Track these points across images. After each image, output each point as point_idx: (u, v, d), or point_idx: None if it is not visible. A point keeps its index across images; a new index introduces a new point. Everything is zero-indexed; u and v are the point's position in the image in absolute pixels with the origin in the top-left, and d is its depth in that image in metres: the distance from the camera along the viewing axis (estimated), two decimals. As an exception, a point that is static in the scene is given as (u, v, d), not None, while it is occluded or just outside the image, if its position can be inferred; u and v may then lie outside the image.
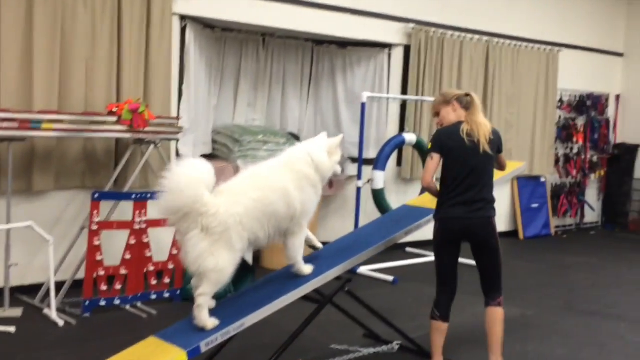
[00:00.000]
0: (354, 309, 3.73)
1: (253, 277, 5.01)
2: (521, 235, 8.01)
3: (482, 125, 3.35)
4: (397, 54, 6.79)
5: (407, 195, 6.78)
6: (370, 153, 6.45)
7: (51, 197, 4.76)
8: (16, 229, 4.24)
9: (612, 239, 8.39)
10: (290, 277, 3.27)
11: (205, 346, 2.73)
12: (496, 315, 3.46)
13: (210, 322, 2.87)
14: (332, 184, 3.30)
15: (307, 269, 3.22)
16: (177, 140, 5.14)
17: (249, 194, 2.87)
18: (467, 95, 3.42)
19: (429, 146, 3.41)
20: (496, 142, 3.41)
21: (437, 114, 3.49)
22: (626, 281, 6.12)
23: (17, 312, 4.28)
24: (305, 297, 3.31)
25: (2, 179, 4.38)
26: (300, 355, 3.70)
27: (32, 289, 4.56)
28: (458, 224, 3.35)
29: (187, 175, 2.76)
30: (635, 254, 7.50)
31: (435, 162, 3.34)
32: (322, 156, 3.08)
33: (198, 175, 2.78)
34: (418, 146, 6.29)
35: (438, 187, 3.47)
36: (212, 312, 3.01)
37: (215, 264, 2.78)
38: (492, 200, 3.43)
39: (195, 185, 2.75)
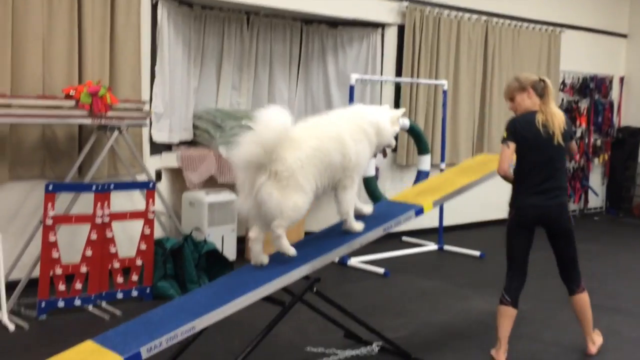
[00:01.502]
0: (334, 307, 3.23)
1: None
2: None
3: (557, 116, 3.29)
4: (391, 34, 6.08)
5: (402, 182, 6.13)
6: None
7: (6, 188, 4.11)
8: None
9: (615, 225, 7.70)
10: (255, 274, 2.82)
11: (147, 352, 2.32)
12: (584, 301, 3.44)
13: (292, 250, 2.87)
14: (385, 153, 3.26)
15: (358, 225, 3.05)
16: (147, 125, 4.47)
17: (308, 142, 2.81)
18: (542, 81, 3.33)
19: (504, 134, 3.29)
20: (568, 132, 3.35)
21: (511, 99, 3.39)
22: (626, 270, 5.49)
23: (-34, 314, 3.67)
24: (275, 301, 2.88)
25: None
26: (273, 358, 3.22)
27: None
28: (536, 212, 3.30)
29: (275, 127, 2.71)
30: (638, 240, 6.84)
31: (511, 150, 3.27)
32: (384, 120, 3.05)
33: (282, 127, 2.74)
34: (412, 131, 5.61)
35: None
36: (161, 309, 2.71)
37: (293, 204, 2.78)
38: (566, 187, 3.41)
39: (280, 136, 2.72)
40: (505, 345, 3.31)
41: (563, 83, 7.71)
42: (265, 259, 2.90)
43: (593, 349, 3.50)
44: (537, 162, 3.27)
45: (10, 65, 3.94)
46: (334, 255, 2.96)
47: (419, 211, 3.21)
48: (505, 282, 3.36)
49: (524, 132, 3.25)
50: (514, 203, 3.36)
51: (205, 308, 2.57)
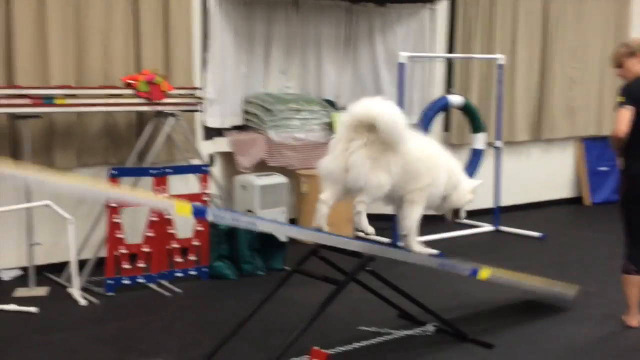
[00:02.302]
0: (388, 287, 3.44)
1: (285, 254, 4.74)
2: (587, 202, 7.35)
3: None
4: (442, 9, 6.25)
5: (456, 162, 6.28)
6: (414, 118, 5.97)
7: (75, 174, 4.63)
8: (39, 208, 4.14)
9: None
10: (316, 230, 3.16)
11: (212, 216, 2.63)
12: None
13: (370, 228, 3.23)
14: (452, 218, 3.56)
15: (418, 247, 3.37)
16: (201, 111, 4.88)
17: (409, 139, 3.19)
18: None
19: (620, 99, 3.41)
20: None
21: (619, 65, 3.50)
22: None
23: (43, 291, 4.22)
24: (329, 280, 3.11)
25: (22, 158, 4.28)
26: (326, 337, 3.43)
27: (62, 267, 4.50)
28: None
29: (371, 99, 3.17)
30: None
31: (631, 113, 3.37)
32: (466, 183, 3.43)
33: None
34: (466, 109, 5.76)
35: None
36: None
37: (378, 182, 3.11)
38: None
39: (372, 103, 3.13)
40: (636, 311, 3.58)
41: (633, 53, 7.59)
42: (325, 226, 3.21)
43: None
44: None
45: (75, 58, 4.47)
46: (389, 254, 3.27)
47: (474, 272, 3.45)
48: (627, 252, 3.54)
49: (639, 97, 3.37)
50: (629, 172, 3.48)
51: (268, 222, 3.07)
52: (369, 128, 3.05)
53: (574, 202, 7.39)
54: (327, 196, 3.17)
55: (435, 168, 3.29)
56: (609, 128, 7.37)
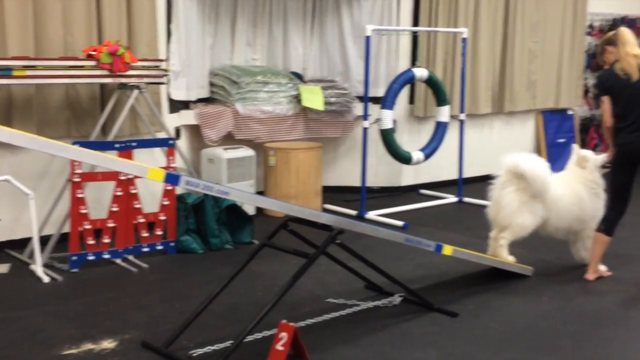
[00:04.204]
0: (356, 260, 3.39)
1: (252, 227, 4.66)
2: (546, 173, 7.44)
3: (630, 56, 3.72)
4: (407, -18, 6.11)
5: (420, 135, 6.27)
6: (380, 91, 5.90)
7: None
8: (-1, 184, 3.93)
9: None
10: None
11: (184, 182, 2.67)
12: None
13: (511, 258, 3.93)
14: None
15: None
16: (166, 84, 4.69)
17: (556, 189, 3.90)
18: (614, 33, 3.82)
19: (595, 91, 3.82)
20: None
21: (606, 62, 3.91)
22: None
23: (3, 268, 4.04)
24: (300, 253, 3.07)
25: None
26: (294, 310, 3.39)
27: (23, 244, 4.31)
28: (632, 148, 3.77)
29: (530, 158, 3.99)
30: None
31: (607, 103, 3.78)
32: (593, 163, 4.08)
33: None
34: (430, 82, 5.71)
35: None
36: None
37: (522, 222, 3.83)
38: None
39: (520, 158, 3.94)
40: (595, 267, 3.93)
41: (590, 26, 7.64)
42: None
43: None
44: (626, 104, 3.76)
45: (33, 27, 4.19)
46: (357, 227, 3.30)
47: (439, 247, 3.52)
48: (605, 212, 3.93)
49: (608, 83, 3.79)
50: (617, 142, 3.84)
51: (242, 193, 3.12)
52: (520, 176, 3.76)
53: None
54: (494, 234, 4.03)
55: (581, 200, 3.92)
56: (567, 101, 7.54)
